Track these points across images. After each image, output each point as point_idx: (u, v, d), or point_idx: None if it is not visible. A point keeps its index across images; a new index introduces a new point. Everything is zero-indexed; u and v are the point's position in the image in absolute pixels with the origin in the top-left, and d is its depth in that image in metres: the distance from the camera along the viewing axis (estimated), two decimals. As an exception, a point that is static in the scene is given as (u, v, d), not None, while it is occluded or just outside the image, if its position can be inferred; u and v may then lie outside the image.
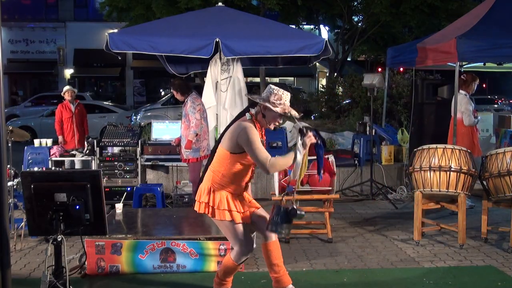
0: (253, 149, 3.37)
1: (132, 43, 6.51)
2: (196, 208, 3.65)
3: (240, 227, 3.60)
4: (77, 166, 7.81)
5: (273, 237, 3.69)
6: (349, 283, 4.34)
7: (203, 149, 6.26)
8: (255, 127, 3.49)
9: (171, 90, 6.50)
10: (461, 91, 6.86)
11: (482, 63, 8.54)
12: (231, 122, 3.66)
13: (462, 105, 6.80)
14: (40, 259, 4.88)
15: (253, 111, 3.57)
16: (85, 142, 7.21)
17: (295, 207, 3.39)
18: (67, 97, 8.47)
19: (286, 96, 3.53)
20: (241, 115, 3.65)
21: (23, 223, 5.32)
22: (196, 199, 3.67)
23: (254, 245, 3.89)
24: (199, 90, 7.33)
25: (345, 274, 4.54)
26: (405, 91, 11.11)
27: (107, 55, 7.29)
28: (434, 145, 5.33)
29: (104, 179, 6.76)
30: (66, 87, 8.67)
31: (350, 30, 16.54)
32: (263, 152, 3.38)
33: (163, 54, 7.07)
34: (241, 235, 3.60)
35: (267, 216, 3.64)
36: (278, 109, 3.47)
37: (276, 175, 5.55)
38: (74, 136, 8.43)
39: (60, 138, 8.31)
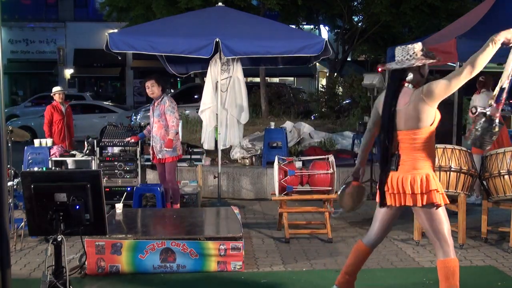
0: (450, 82, 3.16)
1: (132, 43, 6.52)
2: (438, 199, 3.31)
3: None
4: (71, 166, 7.79)
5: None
6: (349, 283, 4.33)
7: (179, 148, 6.38)
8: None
9: (150, 83, 6.23)
10: (484, 90, 7.15)
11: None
12: (387, 103, 3.36)
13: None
14: (40, 259, 4.88)
15: (410, 77, 3.30)
16: (85, 142, 7.20)
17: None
18: (57, 98, 8.33)
19: (423, 46, 3.36)
20: (396, 93, 3.34)
21: (23, 223, 5.32)
22: (431, 190, 3.29)
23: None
24: (199, 90, 7.33)
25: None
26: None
27: (107, 55, 7.29)
28: (434, 145, 5.32)
29: (104, 179, 6.76)
30: (57, 88, 8.50)
31: (350, 30, 16.55)
32: (453, 76, 3.16)
33: (163, 54, 7.07)
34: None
35: None
36: (433, 60, 3.31)
37: (276, 175, 5.55)
38: (66, 138, 8.35)
39: (49, 140, 7.70)
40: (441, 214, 3.38)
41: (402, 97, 3.33)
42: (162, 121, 6.27)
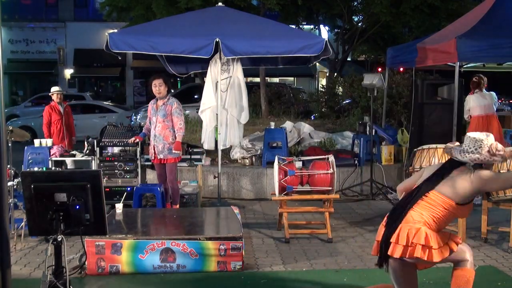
0: (497, 180, 3.23)
1: (132, 43, 6.52)
2: (417, 254, 3.17)
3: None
4: (70, 166, 7.79)
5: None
6: (349, 283, 4.34)
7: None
8: None
9: (158, 82, 6.24)
10: (477, 90, 7.19)
11: (482, 63, 8.55)
12: (441, 169, 3.35)
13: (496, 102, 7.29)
14: (40, 259, 4.88)
15: (471, 166, 3.29)
16: (85, 142, 7.20)
17: None
18: (55, 98, 8.31)
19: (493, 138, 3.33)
20: (453, 167, 3.32)
21: (23, 223, 5.32)
22: (405, 244, 3.19)
23: None
24: (199, 90, 7.34)
25: (345, 274, 4.54)
26: (405, 91, 11.11)
27: (107, 55, 7.30)
28: (434, 145, 5.33)
29: (104, 179, 6.76)
30: (55, 88, 8.47)
31: (350, 30, 16.55)
32: (507, 175, 3.30)
33: (163, 54, 7.07)
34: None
35: None
36: (508, 156, 3.30)
37: (276, 175, 5.55)
38: (65, 138, 8.33)
39: (49, 140, 7.70)
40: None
41: (460, 168, 3.31)
42: (167, 122, 6.29)
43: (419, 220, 3.23)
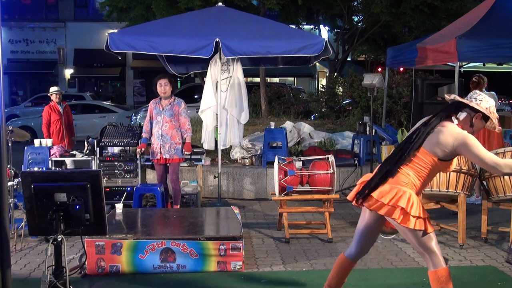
0: (480, 154, 3.15)
1: (132, 43, 6.52)
2: (383, 212, 3.24)
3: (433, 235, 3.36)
4: (70, 166, 7.79)
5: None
6: (349, 283, 4.33)
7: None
8: None
9: (164, 81, 6.29)
10: (477, 91, 7.08)
11: (482, 63, 8.55)
12: (428, 122, 3.34)
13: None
14: (40, 259, 4.88)
15: (461, 116, 3.30)
16: (85, 142, 7.20)
17: None
18: (55, 98, 8.29)
19: (490, 99, 3.35)
20: (443, 116, 3.32)
21: (23, 223, 5.32)
22: (383, 201, 3.24)
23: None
24: (199, 90, 7.34)
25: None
26: (405, 91, 11.11)
27: (107, 55, 7.29)
28: (434, 145, 5.32)
29: (104, 179, 6.76)
30: (54, 88, 8.45)
31: (350, 30, 16.55)
32: (491, 155, 3.18)
33: (163, 54, 7.07)
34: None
35: None
36: (495, 121, 3.31)
37: (276, 175, 5.55)
38: (64, 138, 8.33)
39: (49, 140, 7.64)
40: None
41: (443, 122, 3.30)
42: (174, 122, 6.31)
43: (406, 182, 3.27)
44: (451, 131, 3.21)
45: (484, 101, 3.30)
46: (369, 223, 3.47)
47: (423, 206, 3.31)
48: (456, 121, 3.29)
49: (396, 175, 3.29)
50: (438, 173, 5.11)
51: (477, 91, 3.39)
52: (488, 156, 3.17)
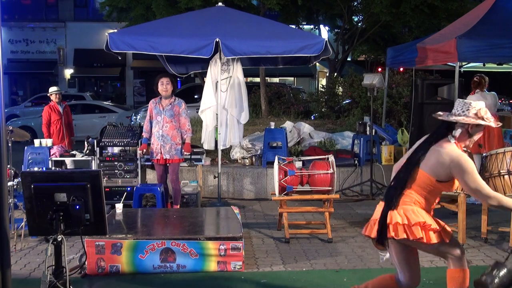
0: (474, 181, 3.11)
1: (132, 43, 6.52)
2: (393, 233, 3.23)
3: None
4: (70, 166, 7.79)
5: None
6: (349, 283, 4.34)
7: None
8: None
9: (166, 80, 6.30)
10: (461, 100, 7.08)
11: (482, 63, 8.55)
12: (426, 141, 3.35)
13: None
14: (40, 259, 4.88)
15: (456, 132, 3.25)
16: (85, 142, 7.20)
17: None
18: (54, 99, 8.28)
19: (484, 106, 3.32)
20: (439, 136, 3.31)
21: (23, 223, 5.32)
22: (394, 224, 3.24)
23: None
24: (199, 90, 7.34)
25: (345, 274, 4.54)
26: (405, 91, 11.11)
27: (107, 55, 7.29)
28: (434, 145, 5.32)
29: (104, 179, 6.76)
30: (53, 88, 8.44)
31: (350, 30, 16.55)
32: (484, 185, 3.15)
33: (163, 54, 7.07)
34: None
35: None
36: (493, 124, 3.26)
37: (276, 175, 5.55)
38: (64, 138, 8.32)
39: (49, 140, 7.61)
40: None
41: (440, 142, 3.28)
42: (174, 122, 6.32)
43: (411, 201, 3.26)
44: (449, 152, 3.17)
45: (471, 108, 3.25)
46: (399, 251, 3.39)
47: (433, 218, 3.30)
48: (453, 140, 3.25)
49: (400, 200, 3.27)
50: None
51: (461, 100, 3.35)
52: (481, 185, 3.12)
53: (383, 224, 3.28)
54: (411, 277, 3.41)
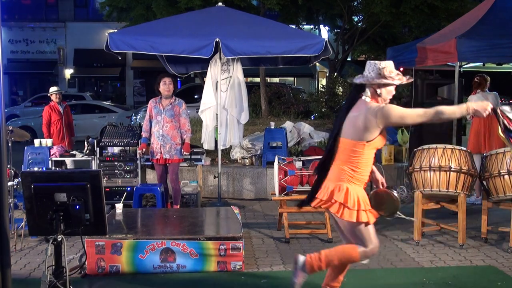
0: (407, 113, 3.24)
1: (132, 43, 6.52)
2: (333, 209, 3.38)
3: (372, 227, 3.46)
4: (70, 166, 7.79)
5: None
6: (349, 283, 4.34)
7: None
8: None
9: (169, 80, 6.33)
10: (479, 90, 7.18)
11: (482, 63, 8.55)
12: (342, 109, 3.44)
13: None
14: (40, 259, 4.88)
15: (367, 92, 3.37)
16: (85, 142, 7.21)
17: None
18: (55, 99, 8.29)
19: (391, 65, 3.41)
20: (352, 102, 3.40)
21: (23, 223, 5.32)
22: (321, 197, 3.42)
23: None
24: (199, 90, 7.34)
25: (345, 274, 4.53)
26: (405, 91, 11.10)
27: (107, 55, 7.29)
28: (434, 145, 5.33)
29: (104, 179, 6.76)
30: (54, 88, 8.46)
31: (350, 30, 16.53)
32: (413, 110, 3.26)
33: (163, 54, 7.07)
34: (374, 235, 3.46)
35: None
36: (397, 81, 3.36)
37: (276, 175, 5.55)
38: (65, 138, 8.32)
39: (49, 140, 7.62)
40: (364, 229, 3.43)
41: (356, 106, 3.38)
42: (175, 122, 6.32)
43: (341, 178, 3.36)
44: (370, 108, 3.28)
45: (376, 68, 3.35)
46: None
47: (364, 198, 3.39)
48: (368, 99, 3.35)
49: (333, 172, 3.40)
50: (438, 173, 5.13)
51: (371, 62, 3.44)
52: (410, 111, 3.26)
53: (312, 194, 3.48)
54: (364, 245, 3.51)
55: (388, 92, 3.38)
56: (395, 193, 3.54)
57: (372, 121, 3.24)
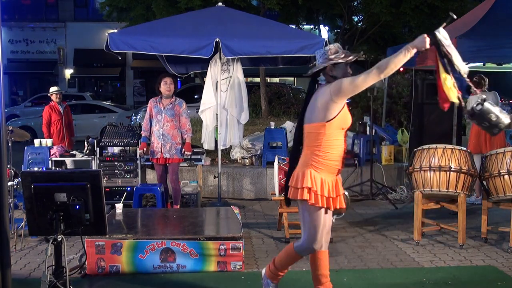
0: (357, 76, 3.25)
1: (132, 43, 6.52)
2: (293, 195, 3.46)
3: (324, 217, 3.46)
4: (70, 166, 7.79)
5: (325, 246, 3.65)
6: (349, 283, 4.34)
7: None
8: None
9: (169, 79, 6.35)
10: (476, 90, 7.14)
11: (482, 63, 8.54)
12: (304, 101, 3.53)
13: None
14: (40, 259, 4.88)
15: (321, 79, 3.48)
16: (85, 142, 7.21)
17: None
18: (55, 98, 8.29)
19: (338, 46, 3.49)
20: (311, 90, 3.49)
21: (23, 223, 5.32)
22: (291, 185, 3.48)
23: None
24: (199, 90, 7.34)
25: (345, 274, 4.54)
26: (405, 91, 11.10)
27: (107, 55, 7.29)
28: (434, 145, 5.33)
29: (104, 179, 6.76)
30: (54, 88, 8.45)
31: (350, 30, 16.53)
32: (361, 74, 3.25)
33: (163, 54, 7.07)
34: (320, 230, 3.48)
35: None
36: (343, 60, 3.40)
37: (276, 175, 5.56)
38: (65, 138, 8.32)
39: (49, 140, 7.61)
40: (315, 213, 3.44)
41: (315, 93, 3.47)
42: (175, 122, 6.33)
43: (305, 164, 3.41)
44: (324, 89, 3.36)
45: (322, 53, 3.45)
46: (299, 211, 3.61)
47: (328, 184, 3.42)
48: (324, 82, 3.44)
49: (301, 160, 3.46)
50: (438, 173, 5.12)
51: (318, 50, 3.53)
52: (359, 74, 3.25)
53: (287, 184, 3.55)
54: (306, 238, 3.55)
55: (341, 72, 3.43)
56: (346, 193, 3.62)
57: (326, 97, 3.32)
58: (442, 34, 3.37)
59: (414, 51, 3.19)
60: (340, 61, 3.39)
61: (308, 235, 3.50)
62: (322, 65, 3.42)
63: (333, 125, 3.34)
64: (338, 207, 3.50)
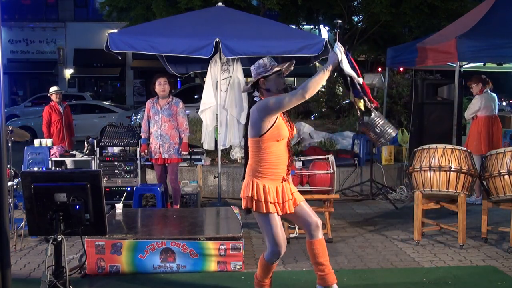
0: (282, 96, 3.40)
1: (132, 43, 6.51)
2: (244, 205, 3.59)
3: (275, 221, 3.53)
4: (70, 166, 7.79)
5: (319, 235, 3.73)
6: (349, 283, 4.34)
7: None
8: None
9: (163, 80, 6.35)
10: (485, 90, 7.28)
11: (482, 63, 8.55)
12: (247, 115, 3.66)
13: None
14: (40, 259, 4.88)
15: (256, 93, 3.61)
16: (85, 142, 7.21)
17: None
18: (55, 98, 8.27)
19: (267, 59, 3.69)
20: (251, 105, 3.63)
21: (23, 223, 5.32)
22: (241, 195, 3.63)
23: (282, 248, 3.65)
24: (199, 90, 7.33)
25: (345, 274, 4.54)
26: (405, 91, 11.11)
27: (107, 55, 7.29)
28: (434, 145, 5.33)
29: (104, 179, 6.76)
30: (54, 88, 8.44)
31: (350, 30, 16.54)
32: (288, 94, 3.41)
33: (163, 54, 7.07)
34: (276, 232, 3.54)
35: (312, 211, 3.71)
36: (271, 71, 3.57)
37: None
38: (65, 138, 8.32)
39: (49, 140, 7.60)
40: (264, 219, 3.54)
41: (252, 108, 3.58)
42: (173, 122, 6.33)
43: (250, 173, 3.55)
44: (254, 107, 3.49)
45: (253, 69, 3.67)
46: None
47: (272, 191, 3.51)
48: (258, 98, 3.55)
49: (247, 171, 3.59)
50: (438, 173, 5.13)
51: (251, 67, 3.72)
52: (285, 94, 3.42)
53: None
54: (268, 243, 3.60)
55: (275, 84, 3.58)
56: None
57: (255, 115, 3.45)
58: (339, 48, 3.50)
59: (330, 68, 3.42)
60: (272, 71, 3.57)
61: (268, 240, 3.61)
62: (255, 78, 3.60)
63: (266, 139, 3.48)
64: (288, 211, 3.60)
